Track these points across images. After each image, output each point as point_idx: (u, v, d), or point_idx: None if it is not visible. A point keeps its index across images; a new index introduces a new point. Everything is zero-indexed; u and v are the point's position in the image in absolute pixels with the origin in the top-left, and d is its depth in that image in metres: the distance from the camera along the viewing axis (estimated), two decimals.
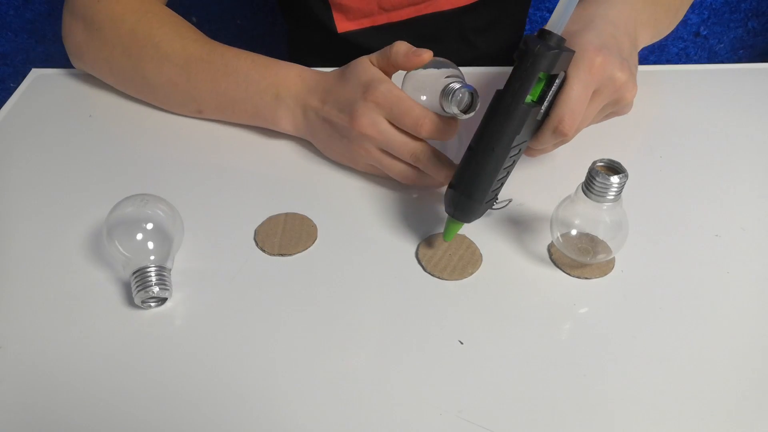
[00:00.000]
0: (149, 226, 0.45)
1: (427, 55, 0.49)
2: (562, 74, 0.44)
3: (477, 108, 0.48)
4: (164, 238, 0.45)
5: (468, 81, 0.49)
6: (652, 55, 1.27)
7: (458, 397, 0.39)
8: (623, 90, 0.48)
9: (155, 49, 0.59)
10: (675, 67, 0.72)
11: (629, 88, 0.48)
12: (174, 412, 0.39)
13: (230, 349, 0.42)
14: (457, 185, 0.46)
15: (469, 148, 0.45)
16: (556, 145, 0.49)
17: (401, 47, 0.50)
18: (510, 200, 0.51)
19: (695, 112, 0.65)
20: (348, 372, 0.41)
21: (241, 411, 0.39)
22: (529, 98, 0.43)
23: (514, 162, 0.46)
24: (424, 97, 0.50)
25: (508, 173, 0.46)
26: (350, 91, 0.52)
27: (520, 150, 0.45)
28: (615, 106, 0.50)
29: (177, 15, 0.63)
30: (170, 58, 0.59)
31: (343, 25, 0.75)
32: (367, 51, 0.76)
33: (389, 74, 0.52)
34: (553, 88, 0.44)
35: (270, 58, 0.59)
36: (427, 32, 0.77)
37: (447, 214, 0.47)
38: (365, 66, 0.52)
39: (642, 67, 0.71)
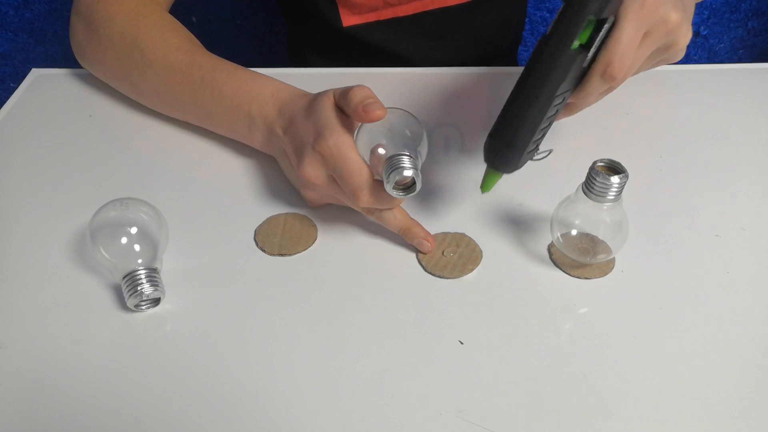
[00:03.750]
0: (133, 229, 0.45)
1: (379, 112, 0.44)
2: (611, 18, 0.41)
3: (417, 191, 0.44)
4: (149, 240, 0.45)
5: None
6: None
7: (458, 397, 0.39)
8: (676, 33, 0.45)
9: (141, 56, 0.58)
10: (675, 67, 0.72)
11: (683, 32, 0.45)
12: (174, 412, 0.39)
13: (230, 348, 0.42)
14: (496, 134, 0.43)
15: (511, 95, 0.42)
16: (601, 95, 0.46)
17: (357, 95, 0.45)
18: (551, 150, 0.48)
19: (695, 112, 0.65)
20: (348, 372, 0.41)
21: (240, 410, 0.39)
22: (576, 44, 0.41)
23: (558, 111, 0.43)
24: (381, 151, 0.45)
25: (551, 123, 0.43)
26: (306, 131, 0.48)
27: (564, 99, 0.43)
28: (666, 51, 0.47)
29: (168, 18, 0.62)
30: (153, 66, 0.58)
31: (348, 19, 0.75)
32: (371, 46, 0.77)
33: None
34: (602, 33, 0.41)
35: (248, 71, 0.56)
36: (431, 28, 0.77)
37: (486, 164, 0.44)
38: (325, 106, 0.48)
39: None
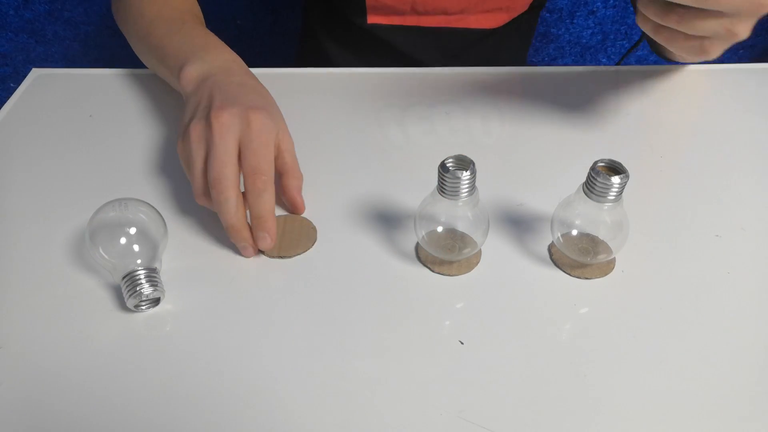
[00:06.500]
0: (132, 230, 0.45)
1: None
2: None
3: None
4: (148, 240, 0.45)
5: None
6: (652, 55, 1.27)
7: (459, 397, 0.39)
8: (754, 14, 0.44)
9: (139, 5, 0.63)
10: (675, 67, 0.72)
11: (745, 27, 0.44)
12: (174, 412, 0.39)
13: (230, 348, 0.42)
14: None
15: None
16: None
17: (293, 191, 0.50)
18: None
19: (695, 112, 0.65)
20: (348, 372, 0.41)
21: (240, 410, 0.39)
22: None
23: None
24: (440, 229, 0.47)
25: None
26: (248, 96, 0.50)
27: None
28: (727, 28, 0.45)
29: None
30: (143, 14, 0.62)
31: (373, 17, 0.76)
32: (391, 47, 0.78)
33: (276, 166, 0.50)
34: None
35: (224, 44, 0.58)
36: (450, 46, 0.79)
37: None
38: (279, 116, 0.52)
39: (642, 67, 0.72)
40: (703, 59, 0.48)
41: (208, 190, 0.48)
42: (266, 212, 0.47)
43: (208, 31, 0.60)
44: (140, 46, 0.64)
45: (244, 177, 0.47)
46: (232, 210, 0.46)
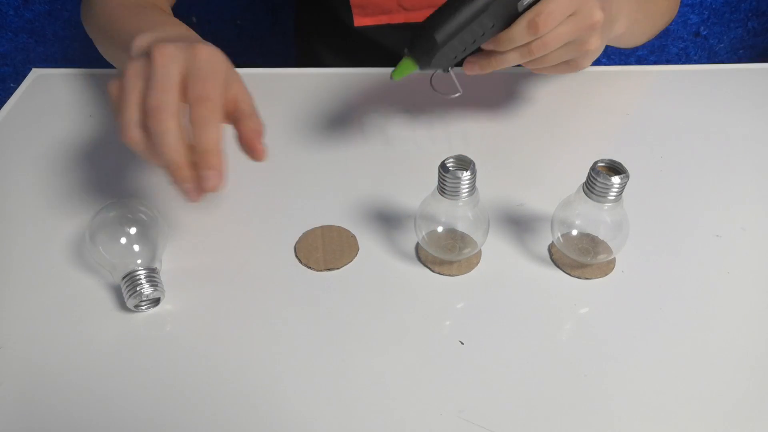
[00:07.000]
0: (132, 230, 0.45)
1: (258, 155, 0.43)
2: None
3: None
4: (148, 240, 0.45)
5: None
6: (652, 55, 1.27)
7: (459, 397, 0.39)
8: (593, 33, 0.48)
9: (103, 1, 0.60)
10: (675, 67, 0.72)
11: (597, 35, 0.48)
12: (174, 412, 0.39)
13: (230, 349, 0.42)
14: (426, 22, 0.47)
15: None
16: (518, 56, 0.48)
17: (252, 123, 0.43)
18: (460, 93, 0.52)
19: (695, 112, 0.65)
20: (348, 372, 0.41)
21: (240, 410, 0.39)
22: None
23: (485, 35, 0.47)
24: (440, 229, 0.47)
25: (475, 42, 0.47)
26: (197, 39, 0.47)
27: (494, 26, 0.46)
28: (578, 49, 0.49)
29: None
30: (105, 6, 0.59)
31: (360, 19, 0.75)
32: (382, 47, 0.77)
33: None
34: None
35: (183, 23, 0.54)
36: None
37: (405, 50, 0.48)
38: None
39: (642, 67, 0.72)
40: (583, 68, 0.52)
41: (140, 123, 0.41)
42: (213, 144, 0.40)
43: (171, 15, 0.57)
44: (101, 38, 0.60)
45: (190, 107, 0.40)
46: (173, 143, 0.39)
